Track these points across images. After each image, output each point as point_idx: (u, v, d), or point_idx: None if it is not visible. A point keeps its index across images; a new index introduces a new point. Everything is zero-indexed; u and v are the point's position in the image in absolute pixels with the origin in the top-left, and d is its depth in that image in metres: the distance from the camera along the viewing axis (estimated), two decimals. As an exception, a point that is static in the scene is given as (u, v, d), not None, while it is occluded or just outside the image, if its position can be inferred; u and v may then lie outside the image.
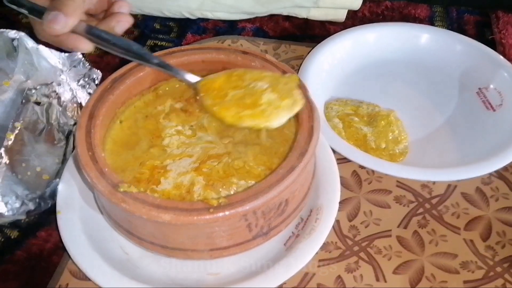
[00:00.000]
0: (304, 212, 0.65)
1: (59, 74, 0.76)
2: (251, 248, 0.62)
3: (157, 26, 1.08)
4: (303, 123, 0.63)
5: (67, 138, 0.74)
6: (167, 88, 0.71)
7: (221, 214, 0.56)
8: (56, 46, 0.67)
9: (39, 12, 0.64)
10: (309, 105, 0.64)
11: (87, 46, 0.62)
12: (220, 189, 0.58)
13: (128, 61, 0.66)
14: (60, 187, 0.67)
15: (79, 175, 0.69)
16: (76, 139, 0.63)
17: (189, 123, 0.65)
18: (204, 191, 0.62)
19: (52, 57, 0.79)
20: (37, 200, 0.68)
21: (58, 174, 0.71)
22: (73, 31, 0.64)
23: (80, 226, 0.63)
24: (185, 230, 0.58)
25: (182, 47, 0.72)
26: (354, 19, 1.04)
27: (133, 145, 0.63)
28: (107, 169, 0.60)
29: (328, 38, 0.90)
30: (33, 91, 0.68)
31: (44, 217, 0.69)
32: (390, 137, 0.78)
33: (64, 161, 0.73)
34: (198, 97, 0.65)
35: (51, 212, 0.66)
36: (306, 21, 1.05)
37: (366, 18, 1.03)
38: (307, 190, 0.67)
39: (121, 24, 0.69)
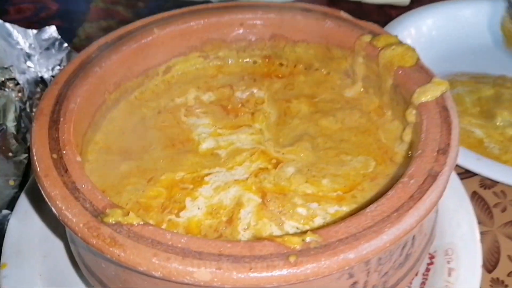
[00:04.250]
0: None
1: (24, 58, 0.58)
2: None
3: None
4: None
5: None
6: (183, 70, 0.51)
7: (311, 266, 0.27)
8: None
9: None
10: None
11: None
12: (282, 217, 0.37)
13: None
14: (11, 225, 0.44)
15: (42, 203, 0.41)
16: (32, 133, 0.35)
17: (230, 127, 0.46)
18: (257, 218, 0.37)
19: (15, 33, 0.58)
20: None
21: (11, 203, 0.49)
22: None
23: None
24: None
25: (210, 4, 0.51)
26: (420, 1, 0.85)
27: (138, 152, 0.43)
28: (86, 185, 0.32)
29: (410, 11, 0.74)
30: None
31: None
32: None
33: (23, 183, 0.51)
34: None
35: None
36: (358, 5, 0.88)
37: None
38: (435, 219, 0.39)
39: None
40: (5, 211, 0.46)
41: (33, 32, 0.58)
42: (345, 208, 0.37)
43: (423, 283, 0.40)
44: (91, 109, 0.41)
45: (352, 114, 0.46)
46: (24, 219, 0.44)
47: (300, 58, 0.50)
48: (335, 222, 0.35)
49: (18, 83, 0.55)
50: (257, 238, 0.33)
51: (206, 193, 0.39)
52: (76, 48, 0.62)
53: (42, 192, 0.32)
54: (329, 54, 0.49)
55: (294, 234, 0.29)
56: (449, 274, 0.40)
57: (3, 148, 0.50)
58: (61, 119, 0.37)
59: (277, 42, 0.50)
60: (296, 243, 0.29)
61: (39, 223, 0.44)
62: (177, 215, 0.37)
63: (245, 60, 0.52)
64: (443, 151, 0.34)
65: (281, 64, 0.51)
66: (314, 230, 0.30)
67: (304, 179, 0.40)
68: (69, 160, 0.34)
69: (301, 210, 0.37)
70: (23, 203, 0.45)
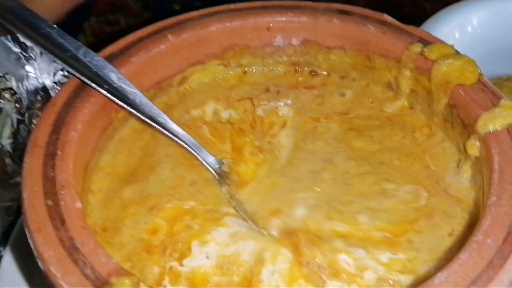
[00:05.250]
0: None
1: (22, 63, 0.51)
2: None
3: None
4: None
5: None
6: (201, 81, 0.44)
7: None
8: None
9: None
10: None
11: None
12: (323, 275, 0.31)
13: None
14: (3, 267, 0.38)
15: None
16: (23, 171, 0.29)
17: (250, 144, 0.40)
18: (290, 279, 0.30)
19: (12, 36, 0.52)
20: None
21: (5, 234, 0.43)
22: None
23: None
24: None
25: (232, 5, 0.44)
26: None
27: (144, 174, 0.38)
28: (87, 242, 0.26)
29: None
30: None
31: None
32: None
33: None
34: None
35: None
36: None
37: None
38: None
39: None
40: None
41: (33, 33, 0.52)
42: (401, 256, 0.31)
43: None
44: (94, 134, 0.36)
45: (393, 134, 0.40)
46: (16, 264, 0.38)
47: (335, 66, 0.44)
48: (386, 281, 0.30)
49: (15, 93, 0.49)
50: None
51: (220, 238, 0.32)
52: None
53: (34, 250, 0.27)
54: (369, 63, 0.42)
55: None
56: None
57: None
58: (59, 152, 0.31)
59: (309, 48, 0.44)
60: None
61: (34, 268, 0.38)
62: (180, 263, 0.31)
63: (270, 68, 0.45)
64: (525, 198, 0.28)
65: (312, 73, 0.45)
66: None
67: (322, 216, 0.34)
68: (66, 207, 0.28)
69: (345, 259, 0.31)
70: (16, 245, 0.39)
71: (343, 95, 0.44)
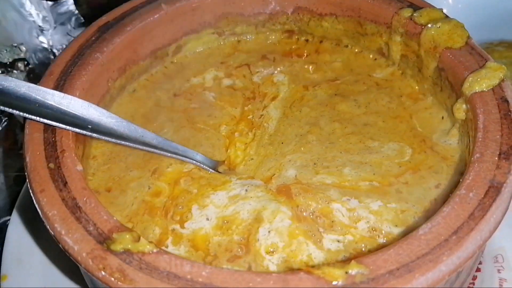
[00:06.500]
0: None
1: (36, 33, 0.53)
2: None
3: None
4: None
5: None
6: (196, 49, 0.46)
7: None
8: None
9: None
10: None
11: None
12: (320, 229, 0.32)
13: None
14: (10, 232, 0.40)
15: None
16: (24, 138, 0.30)
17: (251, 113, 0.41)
18: (290, 237, 0.31)
19: (28, 4, 0.53)
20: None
21: (13, 202, 0.45)
22: None
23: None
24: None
25: None
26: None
27: None
28: (89, 201, 0.27)
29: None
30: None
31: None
32: None
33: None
34: None
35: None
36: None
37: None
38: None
39: None
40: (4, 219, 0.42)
41: (48, 3, 0.54)
42: (393, 205, 0.32)
43: (469, 294, 0.36)
44: (93, 101, 0.36)
45: (379, 98, 0.40)
46: (22, 226, 0.40)
47: (327, 34, 0.45)
48: (381, 232, 0.31)
49: (28, 64, 0.50)
50: (290, 269, 0.28)
51: (218, 201, 0.34)
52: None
53: (38, 210, 0.28)
54: (361, 29, 0.43)
55: (336, 265, 0.25)
56: (500, 285, 0.35)
57: (7, 140, 0.45)
58: (58, 117, 0.32)
59: (302, 15, 0.44)
60: (338, 276, 0.24)
61: (39, 230, 0.40)
62: (182, 225, 0.32)
63: (264, 36, 0.46)
64: (506, 155, 0.29)
65: (305, 41, 0.45)
66: (359, 256, 0.25)
67: (311, 173, 0.35)
68: (68, 170, 0.29)
69: (339, 209, 0.32)
70: (21, 209, 0.41)
71: (335, 61, 0.44)
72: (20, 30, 0.52)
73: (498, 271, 0.36)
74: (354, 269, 0.24)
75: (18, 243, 0.38)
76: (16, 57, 0.49)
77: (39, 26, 0.54)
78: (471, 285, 0.37)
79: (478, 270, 0.37)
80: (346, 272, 0.24)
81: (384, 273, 0.24)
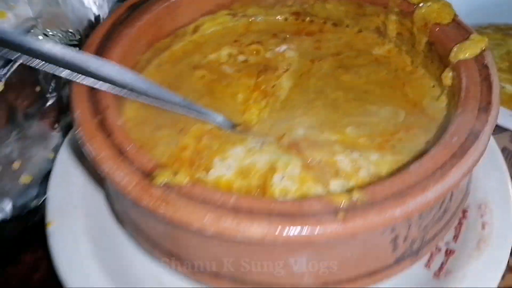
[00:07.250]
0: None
1: (91, 19, 0.53)
2: (387, 278, 0.35)
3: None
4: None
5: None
6: (212, 29, 0.51)
7: (359, 222, 0.28)
8: None
9: None
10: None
11: None
12: (327, 175, 0.37)
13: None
14: (53, 183, 0.45)
15: (81, 162, 0.42)
16: (72, 96, 0.35)
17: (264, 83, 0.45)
18: (300, 182, 0.36)
19: None
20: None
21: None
22: None
23: (85, 244, 0.41)
24: (283, 253, 0.31)
25: None
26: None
27: None
28: (131, 146, 0.32)
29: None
30: (41, 37, 0.46)
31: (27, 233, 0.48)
32: None
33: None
34: None
35: (36, 225, 0.45)
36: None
37: None
38: (470, 175, 0.39)
39: None
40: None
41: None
42: (389, 158, 0.37)
43: (456, 236, 0.41)
44: (126, 70, 0.41)
45: (378, 70, 0.45)
46: (64, 177, 0.45)
47: (331, 15, 0.50)
48: (380, 177, 0.36)
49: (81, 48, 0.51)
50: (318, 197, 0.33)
51: (237, 152, 0.38)
52: None
53: (89, 155, 0.33)
54: (361, 11, 0.48)
55: (341, 192, 0.30)
56: (483, 227, 0.41)
57: (50, 119, 0.49)
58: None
59: (307, -2, 0.50)
60: (343, 200, 0.29)
61: (80, 180, 0.45)
62: (206, 174, 0.37)
63: (273, 18, 0.51)
64: (484, 109, 0.34)
65: (311, 22, 0.51)
66: (360, 187, 0.30)
67: (317, 132, 0.40)
68: (112, 123, 0.34)
69: (342, 160, 0.37)
70: (62, 158, 0.46)
71: (337, 40, 0.50)
72: (76, 16, 0.51)
73: (481, 216, 0.41)
74: (356, 195, 0.30)
75: (60, 192, 0.43)
76: (69, 43, 0.50)
77: (94, 13, 0.53)
78: (457, 231, 0.42)
79: (464, 217, 0.43)
80: (350, 197, 0.29)
81: (380, 198, 0.30)
